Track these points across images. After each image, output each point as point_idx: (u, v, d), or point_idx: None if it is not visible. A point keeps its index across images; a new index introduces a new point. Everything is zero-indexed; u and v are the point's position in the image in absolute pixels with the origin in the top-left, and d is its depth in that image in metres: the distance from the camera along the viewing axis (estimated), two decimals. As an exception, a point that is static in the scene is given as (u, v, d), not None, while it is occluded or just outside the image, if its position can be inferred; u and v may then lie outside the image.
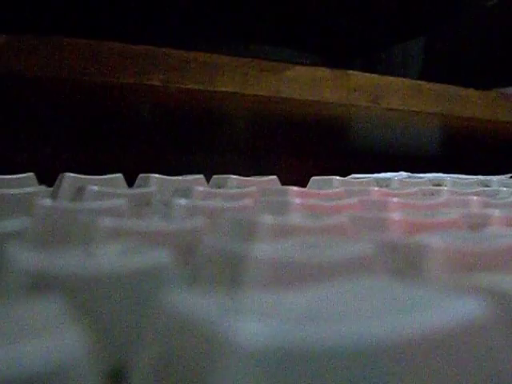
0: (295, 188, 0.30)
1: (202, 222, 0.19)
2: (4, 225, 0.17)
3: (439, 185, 0.39)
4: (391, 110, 0.50)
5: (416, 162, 0.49)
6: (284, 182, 0.36)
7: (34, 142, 0.48)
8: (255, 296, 0.10)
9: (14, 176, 0.29)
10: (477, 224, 0.23)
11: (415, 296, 0.10)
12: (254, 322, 0.08)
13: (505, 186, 0.39)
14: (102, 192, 0.26)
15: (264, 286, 0.14)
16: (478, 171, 0.46)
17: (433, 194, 0.33)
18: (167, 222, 0.19)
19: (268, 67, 0.44)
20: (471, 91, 0.54)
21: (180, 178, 0.34)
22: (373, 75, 0.49)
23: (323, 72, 0.47)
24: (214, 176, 0.36)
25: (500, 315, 0.09)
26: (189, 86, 0.41)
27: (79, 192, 0.27)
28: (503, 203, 0.29)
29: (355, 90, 0.48)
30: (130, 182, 0.33)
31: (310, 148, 0.62)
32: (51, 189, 0.30)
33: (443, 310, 0.09)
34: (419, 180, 0.40)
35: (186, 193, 0.28)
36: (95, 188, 0.26)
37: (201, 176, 0.35)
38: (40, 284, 0.12)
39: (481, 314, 0.09)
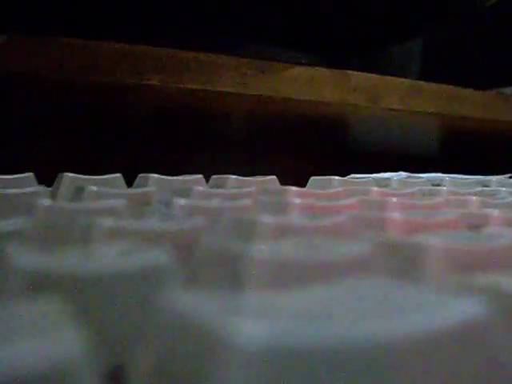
0: (294, 188, 0.30)
1: (202, 222, 0.19)
2: (3, 225, 0.17)
3: (438, 185, 0.39)
4: (390, 109, 0.50)
5: (415, 162, 0.49)
6: (283, 182, 0.36)
7: (34, 142, 0.48)
8: (255, 297, 0.10)
9: (13, 176, 0.29)
10: (476, 224, 0.23)
11: (415, 296, 0.10)
12: (254, 322, 0.08)
13: (504, 186, 0.39)
14: (101, 192, 0.26)
15: (264, 286, 0.14)
16: (478, 171, 0.46)
17: (432, 194, 0.33)
18: (166, 222, 0.19)
19: (267, 67, 0.44)
20: (471, 91, 0.54)
21: (179, 178, 0.34)
22: (372, 75, 0.49)
23: (322, 72, 0.47)
24: (214, 176, 0.36)
25: (500, 315, 0.09)
26: (188, 86, 0.41)
27: (78, 192, 0.27)
28: (502, 203, 0.29)
29: (354, 90, 0.48)
30: (130, 182, 0.33)
31: (309, 148, 0.62)
32: (50, 189, 0.30)
33: (443, 310, 0.09)
34: (418, 180, 0.40)
35: (185, 193, 0.28)
36: (94, 188, 0.26)
37: (200, 176, 0.35)
38: (39, 284, 0.12)
39: (481, 314, 0.09)
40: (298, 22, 0.47)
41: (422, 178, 0.42)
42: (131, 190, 0.29)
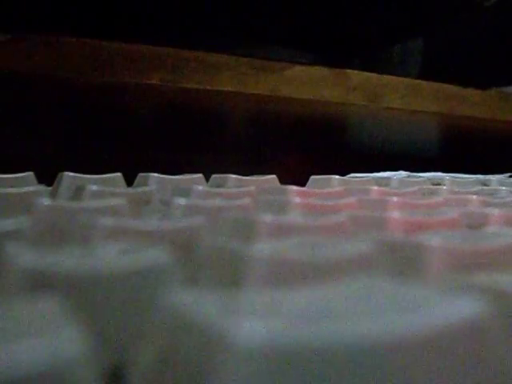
0: (294, 187, 0.30)
1: (202, 222, 0.19)
2: (3, 224, 0.17)
3: (438, 184, 0.39)
4: (390, 109, 0.50)
5: (415, 161, 0.49)
6: (283, 182, 0.36)
7: (34, 141, 0.48)
8: (255, 296, 0.10)
9: (14, 175, 0.29)
10: (476, 223, 0.23)
11: (415, 296, 0.10)
12: (254, 321, 0.08)
13: (504, 186, 0.39)
14: (101, 191, 0.26)
15: (264, 285, 0.14)
16: (478, 170, 0.46)
17: (432, 193, 0.33)
18: (166, 221, 0.19)
19: (267, 66, 0.44)
20: (471, 91, 0.54)
21: (179, 177, 0.34)
22: (372, 74, 0.49)
23: (322, 71, 0.47)
24: (214, 175, 0.36)
25: (500, 315, 0.09)
26: (188, 86, 0.41)
27: (78, 191, 0.27)
28: (502, 202, 0.29)
29: (354, 89, 0.48)
30: (130, 182, 0.33)
31: (309, 147, 0.62)
32: (50, 188, 0.30)
33: (443, 310, 0.09)
34: (418, 179, 0.40)
35: (185, 192, 0.28)
36: (94, 187, 0.26)
37: (200, 175, 0.35)
38: (39, 283, 0.12)
39: (481, 314, 0.09)
40: (297, 22, 0.47)
41: (422, 177, 0.42)
42: (131, 190, 0.29)
